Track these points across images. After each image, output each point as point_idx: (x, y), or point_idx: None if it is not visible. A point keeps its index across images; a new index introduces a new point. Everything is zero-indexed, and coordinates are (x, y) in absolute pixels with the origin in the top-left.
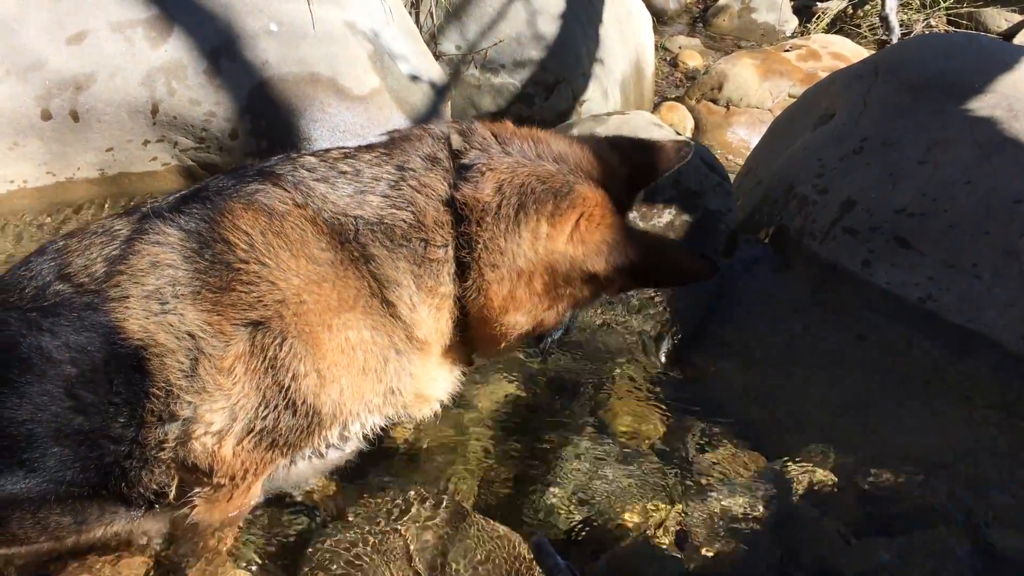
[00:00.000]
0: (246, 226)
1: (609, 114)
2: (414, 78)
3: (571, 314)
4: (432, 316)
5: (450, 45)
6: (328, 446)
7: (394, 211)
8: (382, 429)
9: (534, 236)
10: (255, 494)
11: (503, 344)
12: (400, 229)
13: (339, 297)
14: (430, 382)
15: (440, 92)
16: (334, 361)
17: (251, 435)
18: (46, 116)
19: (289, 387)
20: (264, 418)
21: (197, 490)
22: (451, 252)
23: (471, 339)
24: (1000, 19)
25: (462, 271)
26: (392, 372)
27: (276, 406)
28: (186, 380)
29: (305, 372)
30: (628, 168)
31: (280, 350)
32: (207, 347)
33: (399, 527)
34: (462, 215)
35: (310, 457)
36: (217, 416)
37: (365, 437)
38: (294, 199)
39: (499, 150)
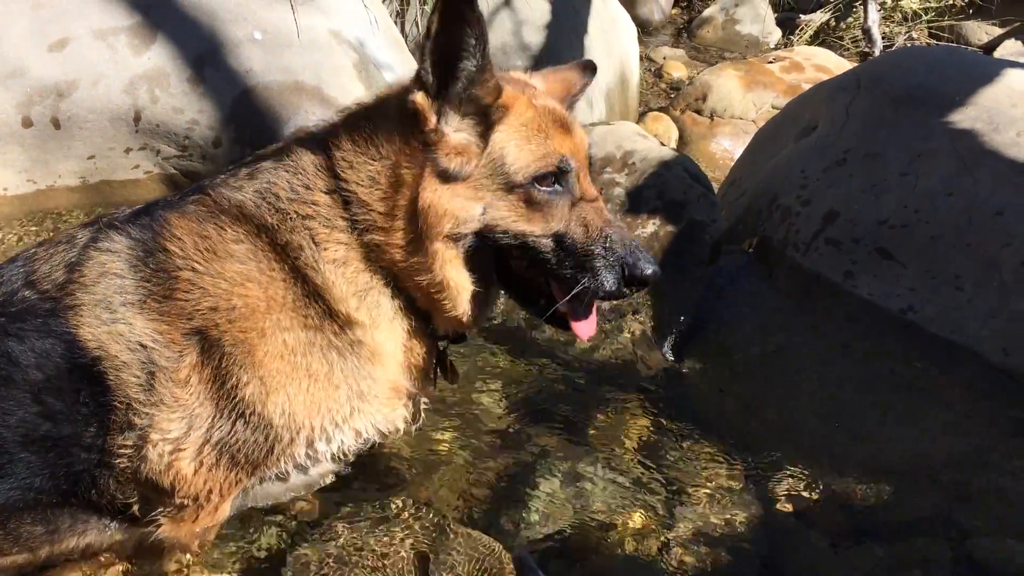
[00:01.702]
0: (180, 233)
1: (594, 124)
2: None
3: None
4: (342, 276)
5: None
6: (296, 465)
7: (279, 168)
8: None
9: (401, 104)
10: (223, 514)
11: (441, 279)
12: (285, 182)
13: (267, 296)
14: (394, 373)
15: None
16: (274, 368)
17: (210, 449)
18: (27, 123)
19: (236, 396)
20: (220, 428)
21: (161, 509)
22: (338, 198)
23: (424, 310)
24: (981, 32)
25: (356, 220)
26: (340, 372)
27: (229, 416)
28: (144, 393)
29: (247, 380)
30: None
31: (222, 359)
32: (160, 359)
33: (381, 537)
34: (333, 147)
35: (279, 477)
36: (174, 426)
37: (335, 457)
38: (215, 201)
39: None
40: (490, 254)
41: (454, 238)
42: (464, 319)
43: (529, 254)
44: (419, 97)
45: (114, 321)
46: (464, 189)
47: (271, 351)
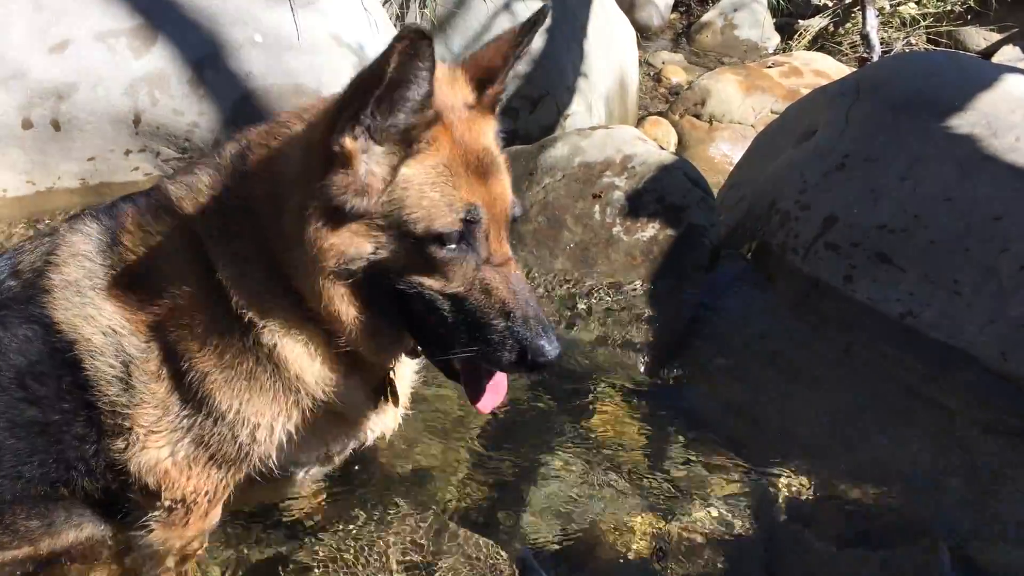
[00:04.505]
0: (132, 226)
1: (593, 128)
2: None
3: None
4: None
5: None
6: (278, 466)
7: (208, 165)
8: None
9: (312, 143)
10: (214, 519)
11: (328, 311)
12: (208, 178)
13: (192, 291)
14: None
15: None
16: (214, 363)
17: (188, 444)
18: (27, 125)
19: (195, 389)
20: (191, 420)
21: (152, 514)
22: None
23: None
24: (979, 38)
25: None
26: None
27: (194, 409)
28: (119, 384)
29: (197, 374)
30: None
31: (177, 353)
32: (131, 348)
33: (382, 540)
34: (245, 157)
35: (263, 477)
36: (152, 420)
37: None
38: (157, 199)
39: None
40: (391, 293)
41: (339, 274)
42: (363, 351)
43: (426, 305)
44: (347, 142)
45: (83, 304)
46: (357, 225)
47: (209, 349)
